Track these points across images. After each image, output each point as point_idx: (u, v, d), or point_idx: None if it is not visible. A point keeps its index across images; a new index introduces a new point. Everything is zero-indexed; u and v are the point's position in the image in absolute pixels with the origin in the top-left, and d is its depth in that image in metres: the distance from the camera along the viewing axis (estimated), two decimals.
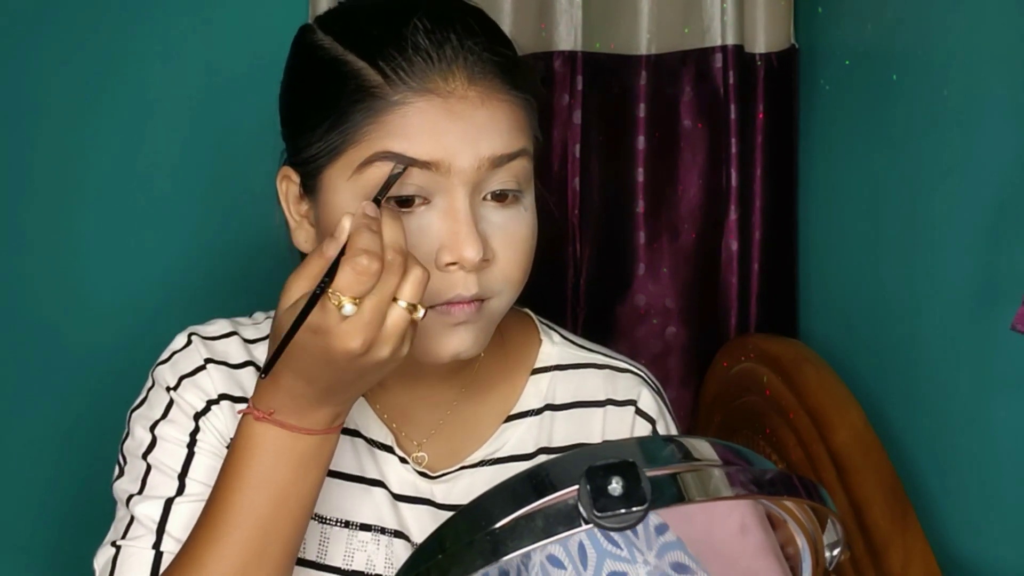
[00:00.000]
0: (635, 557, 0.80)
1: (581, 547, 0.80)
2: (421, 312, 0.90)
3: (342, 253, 0.87)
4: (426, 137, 0.95)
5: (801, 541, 0.76)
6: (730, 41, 1.65)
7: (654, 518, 0.81)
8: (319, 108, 0.98)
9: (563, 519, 0.61)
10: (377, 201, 0.92)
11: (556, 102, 1.66)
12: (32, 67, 1.73)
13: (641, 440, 0.70)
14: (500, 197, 0.99)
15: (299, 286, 0.89)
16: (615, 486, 0.60)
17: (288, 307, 0.89)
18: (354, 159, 0.96)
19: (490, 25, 1.03)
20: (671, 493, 0.63)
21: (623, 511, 0.60)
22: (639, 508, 0.60)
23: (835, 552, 0.77)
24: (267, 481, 0.95)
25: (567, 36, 1.66)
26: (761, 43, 1.66)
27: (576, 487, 0.61)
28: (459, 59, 0.97)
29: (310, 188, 1.01)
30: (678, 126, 1.68)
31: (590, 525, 0.60)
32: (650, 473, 0.63)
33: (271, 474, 0.95)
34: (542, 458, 1.10)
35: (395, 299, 0.88)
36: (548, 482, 0.64)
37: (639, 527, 0.80)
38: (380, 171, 0.95)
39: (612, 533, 0.79)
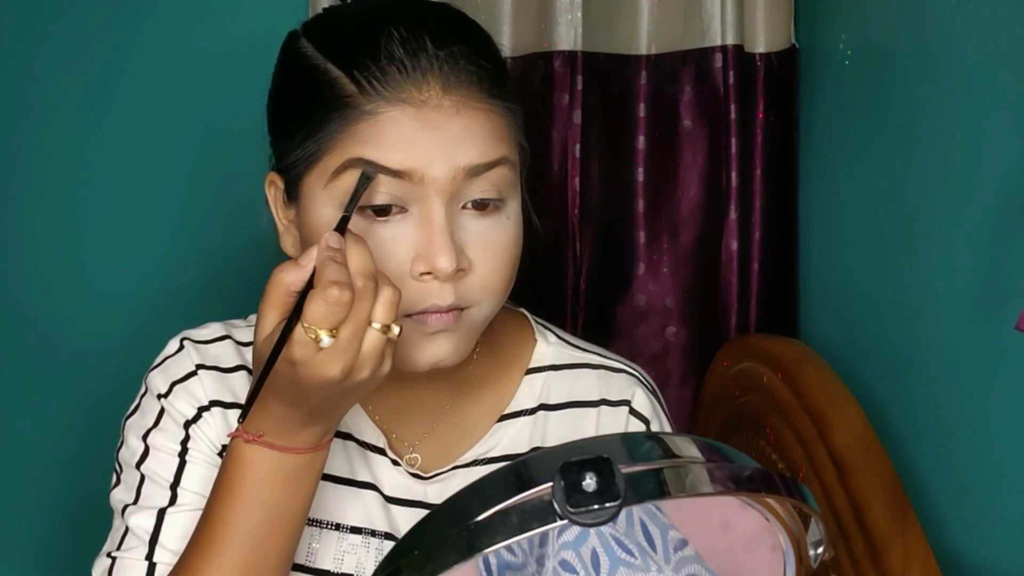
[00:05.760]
0: (649, 565, 0.80)
1: (594, 554, 0.80)
2: (396, 330, 0.91)
3: (311, 284, 0.88)
4: (399, 146, 0.95)
5: (784, 540, 0.76)
6: (730, 41, 1.65)
7: (673, 533, 0.81)
8: (298, 116, 0.99)
9: (538, 515, 0.61)
10: (347, 215, 0.93)
11: (556, 102, 1.66)
12: (30, 69, 1.73)
13: (624, 436, 0.70)
14: (480, 206, 0.98)
15: (270, 316, 0.90)
16: (589, 482, 0.61)
17: (264, 338, 0.90)
18: (329, 166, 0.97)
19: (471, 32, 1.02)
20: (647, 489, 0.63)
21: (596, 507, 0.60)
22: (612, 504, 0.60)
23: (819, 551, 0.77)
24: (259, 500, 0.96)
25: (567, 36, 1.66)
26: (761, 43, 1.66)
27: (551, 483, 0.61)
28: (434, 68, 0.96)
29: (292, 195, 1.02)
30: (678, 126, 1.68)
31: (564, 521, 0.61)
32: (627, 470, 0.63)
33: (262, 493, 0.96)
34: None
35: (369, 322, 0.89)
36: (525, 478, 0.64)
37: (656, 541, 0.80)
38: (353, 178, 0.95)
39: (626, 542, 0.80)
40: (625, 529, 0.81)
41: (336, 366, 0.88)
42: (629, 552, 0.80)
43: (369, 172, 0.94)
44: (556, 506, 0.61)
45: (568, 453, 0.62)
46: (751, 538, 0.77)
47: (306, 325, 0.87)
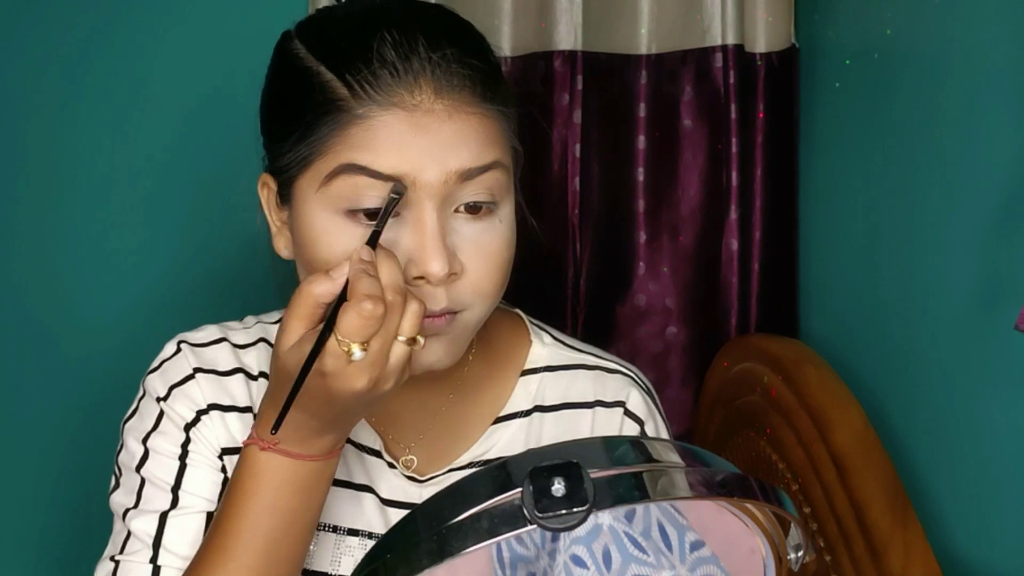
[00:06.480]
0: (661, 563, 0.80)
1: (606, 550, 0.80)
2: (422, 341, 0.92)
3: (342, 297, 0.89)
4: (391, 151, 0.95)
5: (763, 544, 0.76)
6: (730, 41, 1.64)
7: (691, 535, 0.81)
8: (290, 118, 0.99)
9: (508, 519, 0.62)
10: (379, 230, 0.93)
11: (556, 102, 1.66)
12: (21, 66, 1.73)
13: (604, 439, 0.70)
14: (474, 209, 0.98)
15: (297, 326, 0.91)
16: (558, 487, 0.61)
17: (290, 347, 0.91)
18: (321, 170, 0.97)
19: (465, 35, 1.02)
20: (619, 494, 0.63)
21: (564, 512, 0.61)
22: (580, 509, 0.60)
23: (799, 554, 0.77)
24: (273, 507, 0.97)
25: (567, 36, 1.66)
26: (761, 43, 1.65)
27: (521, 488, 0.62)
28: (426, 72, 0.96)
29: (285, 196, 1.02)
30: (678, 126, 1.68)
31: (534, 526, 0.61)
32: (598, 474, 0.63)
33: (276, 500, 0.97)
34: None
35: (396, 335, 0.91)
36: (498, 482, 0.65)
37: (672, 541, 0.80)
38: (346, 184, 0.95)
39: (640, 540, 0.80)
40: (641, 528, 0.81)
41: (364, 378, 0.89)
42: (642, 549, 0.80)
43: (399, 188, 0.94)
44: (525, 511, 0.61)
45: (540, 458, 0.63)
46: (729, 542, 0.77)
47: (339, 337, 0.88)
